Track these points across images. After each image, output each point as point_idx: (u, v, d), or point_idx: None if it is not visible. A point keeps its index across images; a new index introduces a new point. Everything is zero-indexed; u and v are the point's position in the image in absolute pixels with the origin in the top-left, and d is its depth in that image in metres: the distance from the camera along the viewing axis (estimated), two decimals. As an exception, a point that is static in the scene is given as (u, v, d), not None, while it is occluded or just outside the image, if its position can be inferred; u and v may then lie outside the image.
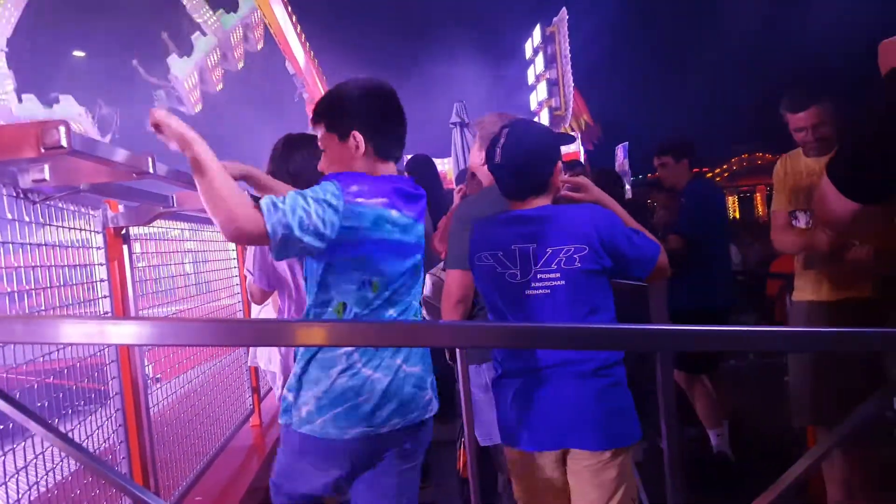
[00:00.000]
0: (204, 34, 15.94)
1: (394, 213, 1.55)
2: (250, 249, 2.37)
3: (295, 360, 1.63)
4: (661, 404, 1.98)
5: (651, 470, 3.02)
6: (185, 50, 16.27)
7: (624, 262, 1.71)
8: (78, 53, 20.41)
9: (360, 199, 1.49)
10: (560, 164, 1.80)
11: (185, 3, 15.69)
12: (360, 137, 1.57)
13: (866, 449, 2.27)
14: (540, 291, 1.71)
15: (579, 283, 1.68)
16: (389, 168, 1.65)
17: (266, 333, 1.12)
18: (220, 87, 16.18)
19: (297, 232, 1.38)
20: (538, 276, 1.71)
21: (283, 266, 2.26)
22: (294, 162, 2.20)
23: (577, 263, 1.67)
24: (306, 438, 1.56)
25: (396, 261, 1.59)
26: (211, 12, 15.77)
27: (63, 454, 1.42)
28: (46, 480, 1.50)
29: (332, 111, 1.61)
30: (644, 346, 1.35)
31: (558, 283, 1.69)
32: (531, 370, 1.72)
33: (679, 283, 3.32)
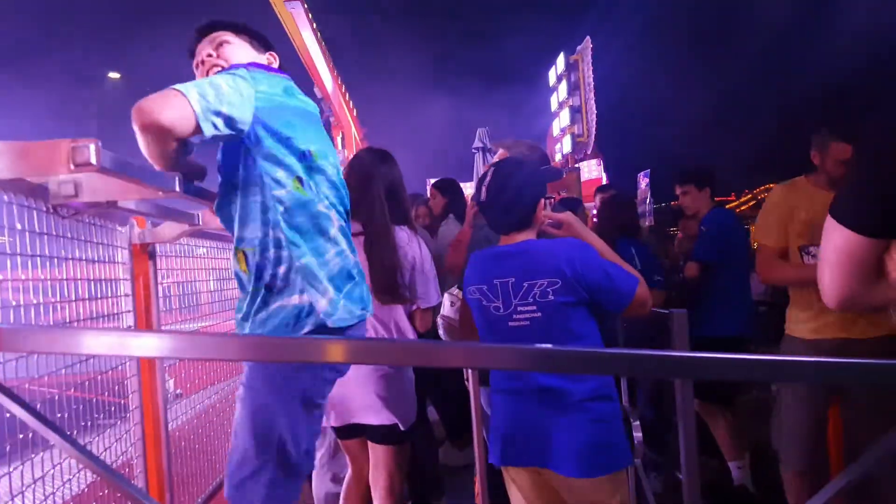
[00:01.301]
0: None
1: (296, 88, 1.60)
2: None
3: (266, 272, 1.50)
4: (680, 434, 1.94)
5: (670, 502, 2.95)
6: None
7: (599, 294, 1.73)
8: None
9: (262, 70, 1.52)
10: (543, 200, 1.86)
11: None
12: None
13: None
14: (520, 324, 1.77)
15: (556, 315, 1.73)
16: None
17: (285, 349, 1.13)
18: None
19: (216, 103, 1.33)
20: (518, 308, 1.77)
21: None
22: (391, 174, 2.32)
23: (551, 296, 1.72)
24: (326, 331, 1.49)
25: (320, 131, 1.60)
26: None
27: (80, 466, 1.43)
28: (63, 492, 1.52)
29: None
30: (662, 372, 1.33)
31: (536, 315, 1.75)
32: (518, 391, 1.79)
33: (697, 311, 3.29)
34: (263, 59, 1.69)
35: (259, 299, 1.50)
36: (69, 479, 1.52)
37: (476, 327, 2.12)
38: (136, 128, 1.28)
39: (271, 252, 1.48)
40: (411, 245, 2.30)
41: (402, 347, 1.10)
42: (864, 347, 2.25)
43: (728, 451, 3.32)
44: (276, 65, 1.69)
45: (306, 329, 1.48)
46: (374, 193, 2.23)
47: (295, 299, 1.48)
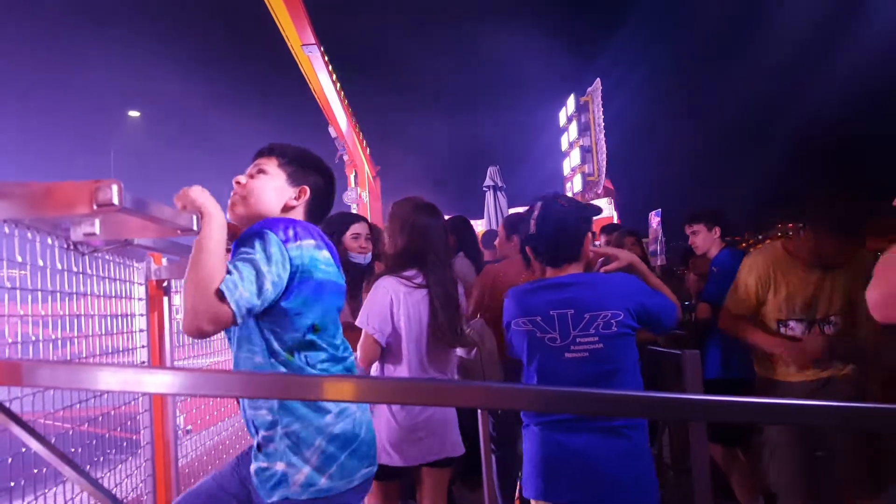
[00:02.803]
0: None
1: (325, 254, 1.54)
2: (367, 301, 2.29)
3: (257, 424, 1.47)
4: (694, 477, 1.91)
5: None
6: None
7: (652, 321, 1.85)
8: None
9: (293, 244, 1.46)
10: (590, 234, 1.93)
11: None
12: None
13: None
14: (579, 355, 1.80)
15: (615, 345, 1.79)
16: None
17: (297, 387, 1.14)
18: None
19: (257, 301, 1.35)
20: (577, 339, 1.81)
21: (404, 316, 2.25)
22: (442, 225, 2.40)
23: (615, 328, 1.78)
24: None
25: (332, 297, 1.55)
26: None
27: (94, 501, 1.43)
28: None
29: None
30: (676, 414, 1.32)
31: (596, 346, 1.79)
32: (552, 423, 1.80)
33: (708, 353, 3.26)
34: (293, 192, 1.61)
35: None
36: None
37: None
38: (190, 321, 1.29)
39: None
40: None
41: (416, 387, 1.10)
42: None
43: (742, 495, 3.24)
44: (304, 198, 1.62)
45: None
46: (436, 244, 2.33)
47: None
